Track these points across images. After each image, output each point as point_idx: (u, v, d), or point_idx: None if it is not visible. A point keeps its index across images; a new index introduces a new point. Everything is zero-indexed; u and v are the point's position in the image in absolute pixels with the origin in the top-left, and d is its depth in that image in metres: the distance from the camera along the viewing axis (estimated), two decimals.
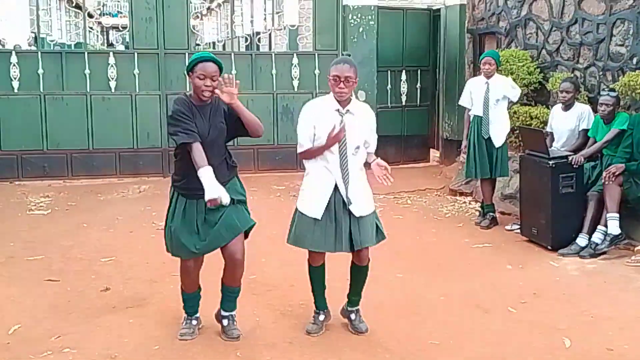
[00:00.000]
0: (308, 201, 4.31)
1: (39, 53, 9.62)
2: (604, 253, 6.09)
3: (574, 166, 6.35)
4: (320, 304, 4.55)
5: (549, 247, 6.34)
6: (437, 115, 11.40)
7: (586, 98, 7.28)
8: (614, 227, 6.04)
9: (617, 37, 7.00)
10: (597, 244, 6.10)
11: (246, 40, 20.07)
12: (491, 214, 7.35)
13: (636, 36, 6.73)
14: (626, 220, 6.15)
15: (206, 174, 3.88)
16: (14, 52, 9.64)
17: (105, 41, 31.19)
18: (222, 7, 24.79)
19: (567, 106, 6.89)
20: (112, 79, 9.71)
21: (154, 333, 4.47)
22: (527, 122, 7.76)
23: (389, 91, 10.80)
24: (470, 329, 4.62)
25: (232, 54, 10.20)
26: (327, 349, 4.30)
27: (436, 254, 6.42)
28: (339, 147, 4.22)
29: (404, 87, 10.94)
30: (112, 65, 9.69)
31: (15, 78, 9.41)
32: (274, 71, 10.18)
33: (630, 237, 6.22)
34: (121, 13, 33.99)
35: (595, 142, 6.59)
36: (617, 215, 6.03)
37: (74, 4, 12.92)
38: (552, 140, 7.02)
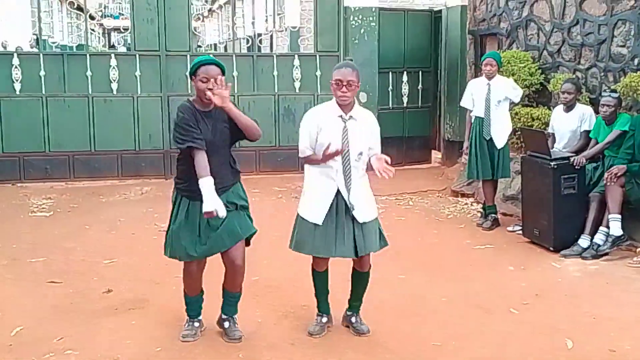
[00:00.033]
0: (309, 206, 4.31)
1: (41, 55, 9.65)
2: (606, 254, 6.09)
3: (576, 167, 6.35)
4: (323, 308, 4.55)
5: (551, 248, 6.34)
6: (439, 117, 11.41)
7: (588, 99, 7.27)
8: (616, 228, 6.04)
9: (619, 38, 7.00)
10: (599, 245, 6.10)
11: (247, 41, 20.00)
12: (493, 215, 7.35)
13: (637, 37, 6.73)
14: (628, 221, 6.15)
15: (206, 185, 3.91)
16: (15, 54, 9.67)
17: (107, 43, 31.17)
18: (223, 8, 24.83)
19: (569, 107, 6.89)
20: (114, 80, 9.72)
21: (156, 334, 4.48)
22: (529, 124, 7.76)
23: (391, 92, 10.81)
24: (472, 330, 4.62)
25: (234, 56, 10.19)
26: (328, 350, 4.30)
27: (438, 255, 6.42)
28: (342, 154, 4.22)
29: (405, 89, 10.95)
30: (113, 67, 9.71)
31: (17, 80, 9.43)
32: (275, 72, 10.19)
33: (632, 238, 6.21)
34: (122, 15, 34.04)
35: (597, 143, 6.58)
36: (619, 216, 6.03)
37: (75, 6, 12.96)
38: (554, 141, 7.01)
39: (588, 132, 6.76)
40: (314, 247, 4.28)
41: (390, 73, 10.79)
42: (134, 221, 7.46)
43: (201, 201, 3.95)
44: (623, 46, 6.95)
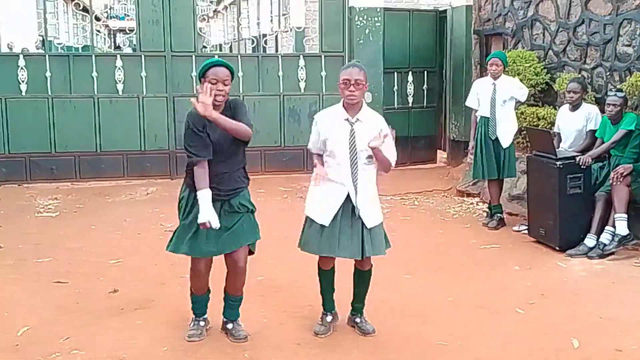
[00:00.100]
0: (317, 207, 4.32)
1: (47, 56, 9.67)
2: (612, 254, 6.08)
3: (582, 167, 6.33)
4: (328, 306, 4.56)
5: (557, 248, 6.33)
6: (444, 117, 11.40)
7: (593, 98, 7.26)
8: (622, 228, 6.02)
9: (624, 37, 6.98)
10: (605, 245, 6.09)
11: (253, 42, 20.03)
12: (498, 214, 7.34)
13: None
14: (634, 221, 6.13)
15: (203, 197, 4.01)
16: (21, 56, 9.69)
17: (113, 44, 31.29)
18: (228, 9, 24.88)
19: (575, 107, 6.88)
20: (120, 81, 9.74)
21: (162, 335, 4.48)
22: (535, 123, 7.74)
23: (396, 92, 10.81)
24: (477, 329, 4.61)
25: (239, 56, 10.21)
26: (334, 350, 4.30)
27: (443, 255, 6.41)
28: (350, 156, 4.22)
29: (410, 89, 10.95)
30: (119, 68, 9.73)
31: (23, 81, 9.46)
32: (280, 73, 10.20)
33: (639, 238, 6.19)
34: (128, 16, 34.12)
35: (602, 142, 6.57)
36: (625, 215, 6.01)
37: (81, 7, 12.98)
38: (560, 140, 7.00)
39: (594, 131, 6.75)
40: (319, 246, 4.29)
41: (396, 73, 10.78)
42: (140, 221, 7.48)
43: (216, 200, 4.08)
44: (629, 45, 6.93)
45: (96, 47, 14.91)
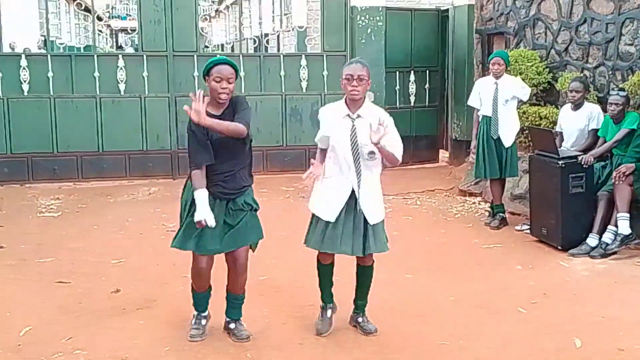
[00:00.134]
0: (322, 204, 4.32)
1: (49, 56, 9.68)
2: (615, 253, 6.07)
3: (584, 166, 6.33)
4: (327, 298, 4.56)
5: (559, 248, 6.32)
6: (446, 116, 11.39)
7: (596, 98, 7.25)
8: (624, 227, 6.01)
9: (626, 36, 6.97)
10: (607, 244, 6.08)
11: (254, 41, 20.13)
12: (501, 214, 7.33)
13: None
14: (637, 220, 6.12)
15: (200, 196, 4.05)
16: (23, 56, 9.70)
17: (115, 44, 31.30)
18: (230, 9, 24.86)
19: (577, 106, 6.87)
20: (122, 81, 9.75)
21: (164, 334, 4.49)
22: (537, 122, 7.73)
23: (398, 92, 10.80)
24: (479, 329, 4.61)
25: (241, 56, 10.21)
26: (336, 349, 4.30)
27: (445, 254, 6.41)
28: (352, 152, 4.23)
29: (412, 88, 10.94)
30: (121, 68, 9.74)
31: (25, 81, 9.47)
32: (282, 72, 10.20)
33: None
34: (130, 16, 34.15)
35: (605, 141, 6.56)
36: (628, 215, 6.01)
37: (83, 7, 13.00)
38: (562, 140, 7.00)
39: (596, 130, 6.74)
40: (321, 243, 4.30)
41: (398, 72, 10.78)
42: (142, 221, 7.48)
43: (221, 199, 4.15)
44: (631, 44, 6.92)
45: (98, 47, 14.94)
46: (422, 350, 4.30)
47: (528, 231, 6.89)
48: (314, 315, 4.68)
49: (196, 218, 4.02)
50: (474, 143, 7.44)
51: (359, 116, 4.24)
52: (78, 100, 9.63)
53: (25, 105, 9.48)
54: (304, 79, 10.27)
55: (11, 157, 9.48)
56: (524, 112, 7.88)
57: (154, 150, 9.88)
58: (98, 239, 6.84)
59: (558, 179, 6.30)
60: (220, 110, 4.15)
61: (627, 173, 5.99)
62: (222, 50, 15.73)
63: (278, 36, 17.53)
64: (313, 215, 4.39)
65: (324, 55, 10.29)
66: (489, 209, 7.56)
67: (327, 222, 4.27)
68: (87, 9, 12.08)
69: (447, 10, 11.05)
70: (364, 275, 4.50)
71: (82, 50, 13.32)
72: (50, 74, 9.51)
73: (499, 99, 7.16)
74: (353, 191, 4.25)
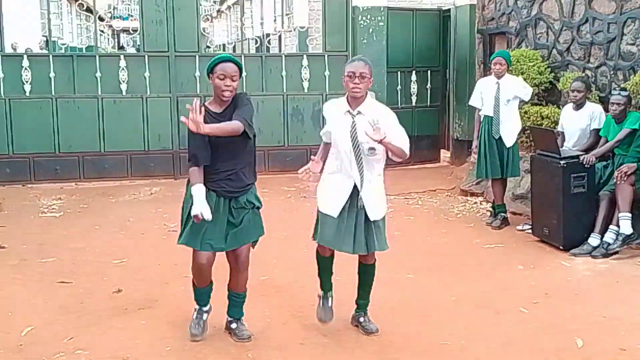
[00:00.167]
0: (326, 199, 4.35)
1: (50, 56, 9.69)
2: (616, 253, 6.06)
3: (586, 166, 6.32)
4: (326, 286, 4.56)
5: (561, 247, 6.31)
6: (448, 116, 11.38)
7: (597, 97, 7.24)
8: (626, 227, 6.00)
9: (628, 36, 6.96)
10: (609, 244, 6.07)
11: (256, 42, 20.05)
12: (502, 214, 7.33)
13: None
14: (638, 220, 6.11)
15: (197, 191, 4.08)
16: (25, 56, 9.72)
17: (116, 44, 31.30)
18: (232, 9, 24.90)
19: (578, 106, 6.86)
20: (123, 81, 9.76)
21: (165, 334, 4.49)
22: (538, 122, 7.73)
23: (399, 92, 10.80)
24: (481, 329, 4.61)
25: (243, 56, 10.20)
26: (338, 349, 4.30)
27: (447, 254, 6.41)
28: (353, 148, 4.23)
29: (414, 88, 10.94)
30: (123, 68, 9.75)
31: (27, 82, 9.48)
32: (284, 73, 10.21)
33: None
34: (132, 16, 34.10)
35: (606, 141, 6.55)
36: (629, 214, 6.00)
37: (84, 8, 13.01)
38: (563, 140, 6.99)
39: (598, 130, 6.73)
40: (327, 238, 4.31)
41: (399, 72, 10.78)
42: (144, 221, 7.49)
43: (224, 197, 4.18)
44: (633, 44, 6.91)
45: (100, 47, 14.95)
46: (423, 350, 4.30)
47: (529, 231, 6.88)
48: (315, 315, 4.67)
49: (193, 212, 4.03)
50: (475, 143, 7.44)
51: (359, 113, 4.24)
52: (80, 100, 9.64)
53: (27, 105, 9.49)
54: (305, 79, 10.27)
55: (13, 157, 9.49)
56: (525, 112, 7.88)
57: (156, 150, 9.88)
58: (99, 239, 6.85)
59: (560, 178, 6.30)
60: (222, 108, 4.15)
61: (628, 173, 5.99)
62: (224, 50, 15.77)
63: (280, 36, 17.55)
64: (318, 210, 4.40)
65: (326, 56, 10.29)
66: (491, 209, 7.56)
67: (331, 218, 4.27)
68: (88, 10, 12.09)
69: (449, 10, 11.05)
70: (365, 273, 4.50)
71: (83, 51, 13.28)
72: (52, 75, 9.52)
73: (500, 98, 7.16)
74: (355, 187, 4.26)
